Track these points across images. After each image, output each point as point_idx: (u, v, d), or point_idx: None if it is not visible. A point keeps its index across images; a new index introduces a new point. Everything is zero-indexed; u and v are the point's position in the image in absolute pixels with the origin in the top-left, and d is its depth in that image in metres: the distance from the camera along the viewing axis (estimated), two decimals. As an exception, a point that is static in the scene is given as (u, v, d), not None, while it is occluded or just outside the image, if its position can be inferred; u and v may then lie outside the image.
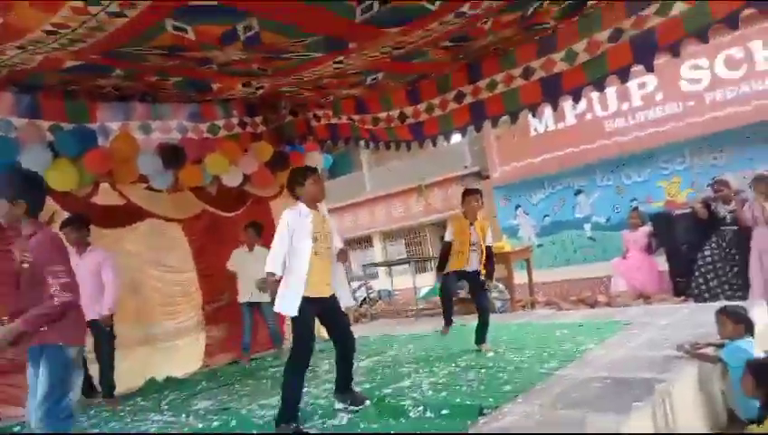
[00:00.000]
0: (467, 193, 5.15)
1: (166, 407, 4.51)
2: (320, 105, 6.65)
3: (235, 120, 6.66)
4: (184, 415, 4.12)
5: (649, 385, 3.14)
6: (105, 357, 4.95)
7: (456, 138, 14.79)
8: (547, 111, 9.38)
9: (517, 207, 13.06)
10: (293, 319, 3.50)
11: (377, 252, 19.68)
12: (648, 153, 10.40)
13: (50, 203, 5.18)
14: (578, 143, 11.48)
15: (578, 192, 12.02)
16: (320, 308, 3.58)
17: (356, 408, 3.60)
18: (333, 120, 6.72)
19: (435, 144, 6.48)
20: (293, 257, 3.51)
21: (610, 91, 9.72)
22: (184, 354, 6.27)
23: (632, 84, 9.74)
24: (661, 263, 8.19)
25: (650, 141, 10.23)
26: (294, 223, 3.54)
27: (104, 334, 4.92)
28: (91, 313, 4.46)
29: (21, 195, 2.69)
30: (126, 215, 5.92)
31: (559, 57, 4.79)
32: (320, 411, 3.68)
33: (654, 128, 10.18)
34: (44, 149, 4.96)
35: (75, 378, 2.71)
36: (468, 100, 5.52)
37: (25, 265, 2.66)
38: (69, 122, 5.30)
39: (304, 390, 3.53)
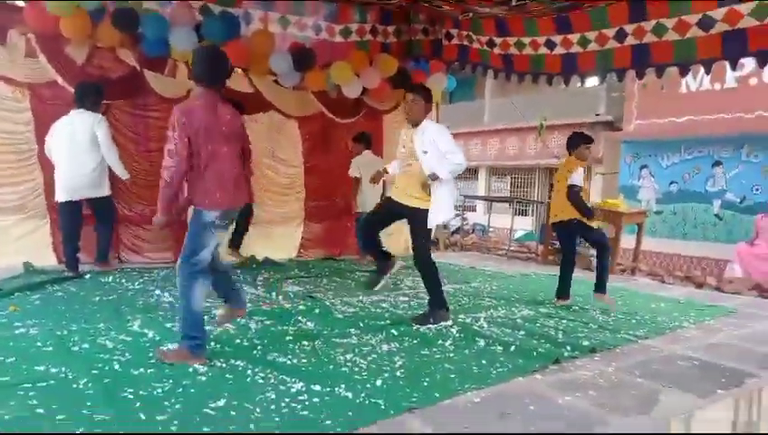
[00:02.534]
0: (586, 140, 4.71)
1: (260, 283, 4.95)
2: (456, 23, 6.39)
3: (367, 27, 6.67)
4: (274, 294, 4.50)
5: (740, 377, 2.95)
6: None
7: (593, 81, 13.78)
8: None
9: (643, 167, 12.13)
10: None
11: (480, 186, 19.39)
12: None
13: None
14: (733, 109, 10.27)
15: (716, 163, 10.90)
16: (396, 210, 3.95)
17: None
18: (465, 42, 6.45)
19: (567, 83, 6.06)
20: None
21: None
22: (282, 241, 6.74)
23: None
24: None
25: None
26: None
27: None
28: None
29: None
30: (253, 103, 6.27)
31: (747, 9, 4.11)
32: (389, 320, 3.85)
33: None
34: (191, 31, 5.29)
35: (209, 239, 2.85)
36: (631, 41, 5.01)
37: None
38: (217, 4, 5.60)
39: (383, 300, 3.76)
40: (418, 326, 3.68)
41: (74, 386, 2.34)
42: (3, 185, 5.02)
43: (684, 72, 4.98)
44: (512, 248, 9.27)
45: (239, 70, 6.08)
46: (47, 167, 5.03)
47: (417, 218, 3.83)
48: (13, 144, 5.02)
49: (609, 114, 14.27)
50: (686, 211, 11.34)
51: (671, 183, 11.61)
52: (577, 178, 4.59)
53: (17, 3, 4.95)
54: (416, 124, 3.83)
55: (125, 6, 5.03)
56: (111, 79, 5.37)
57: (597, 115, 14.59)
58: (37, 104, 5.09)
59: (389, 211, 4.06)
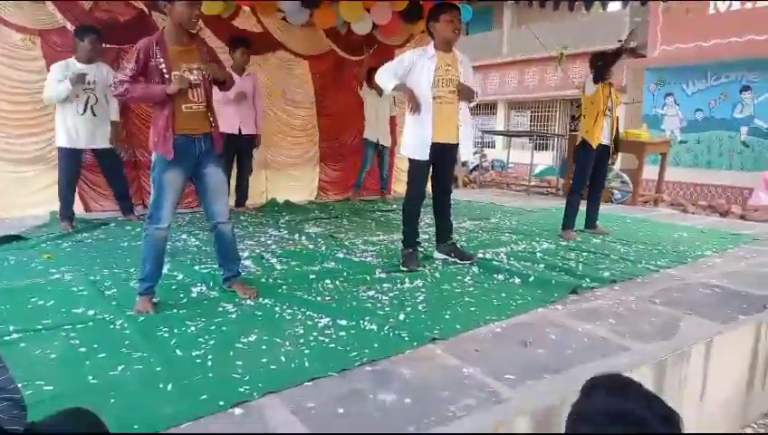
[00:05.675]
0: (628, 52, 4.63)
1: (283, 225, 5.02)
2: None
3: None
4: (297, 235, 4.58)
5: (761, 303, 2.96)
6: (244, 170, 5.68)
7: (615, 6, 13.12)
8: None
9: (667, 95, 11.72)
10: (412, 161, 3.60)
11: (499, 121, 19.02)
12: None
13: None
14: (765, 30, 9.74)
15: (745, 88, 10.48)
16: (438, 153, 3.56)
17: (460, 261, 3.75)
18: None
19: (588, 9, 5.80)
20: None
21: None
22: (300, 184, 6.79)
23: None
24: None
25: None
26: (413, 62, 3.45)
27: (248, 150, 5.62)
28: (239, 129, 5.38)
29: None
30: (261, 43, 6.16)
31: None
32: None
33: None
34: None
35: None
36: None
37: None
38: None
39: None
40: (464, 261, 3.72)
41: (111, 327, 2.45)
42: (21, 136, 5.03)
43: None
44: (532, 184, 9.19)
45: (246, 8, 5.94)
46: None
47: (455, 154, 3.67)
48: (28, 93, 4.99)
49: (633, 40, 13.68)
50: (711, 139, 11.04)
51: (696, 110, 11.25)
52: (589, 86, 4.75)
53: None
54: (448, 48, 3.51)
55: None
56: (120, 23, 5.28)
57: (619, 42, 13.99)
58: (48, 51, 5.04)
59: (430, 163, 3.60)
